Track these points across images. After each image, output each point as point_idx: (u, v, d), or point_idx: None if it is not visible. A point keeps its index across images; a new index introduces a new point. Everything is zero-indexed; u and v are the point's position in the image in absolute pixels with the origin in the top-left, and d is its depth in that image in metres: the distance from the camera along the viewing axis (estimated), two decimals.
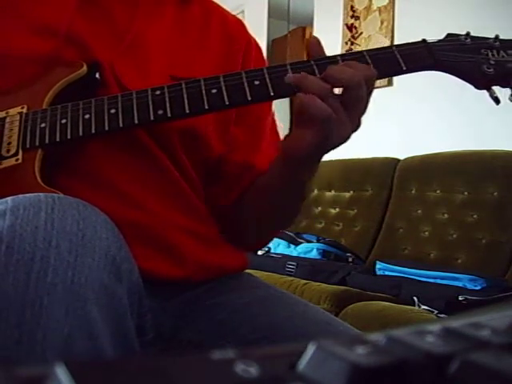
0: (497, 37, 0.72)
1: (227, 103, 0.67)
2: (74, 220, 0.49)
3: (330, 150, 0.67)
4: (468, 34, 0.72)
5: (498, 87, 0.71)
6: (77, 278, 0.47)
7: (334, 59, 0.69)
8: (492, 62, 0.70)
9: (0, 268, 0.44)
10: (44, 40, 0.72)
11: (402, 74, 0.70)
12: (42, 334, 0.43)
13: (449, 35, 0.73)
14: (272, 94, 0.67)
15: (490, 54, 0.71)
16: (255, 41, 0.88)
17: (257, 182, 0.79)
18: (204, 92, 0.67)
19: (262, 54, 0.88)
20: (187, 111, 0.67)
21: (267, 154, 0.81)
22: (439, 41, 0.72)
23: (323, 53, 0.69)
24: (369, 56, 0.69)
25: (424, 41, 0.71)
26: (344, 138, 0.65)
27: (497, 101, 0.71)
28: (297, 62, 0.69)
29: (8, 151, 0.67)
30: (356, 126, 0.65)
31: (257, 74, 0.68)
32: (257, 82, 0.68)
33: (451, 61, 0.70)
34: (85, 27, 0.73)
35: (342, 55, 0.70)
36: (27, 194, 0.51)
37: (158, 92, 0.68)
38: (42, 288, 0.44)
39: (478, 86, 0.71)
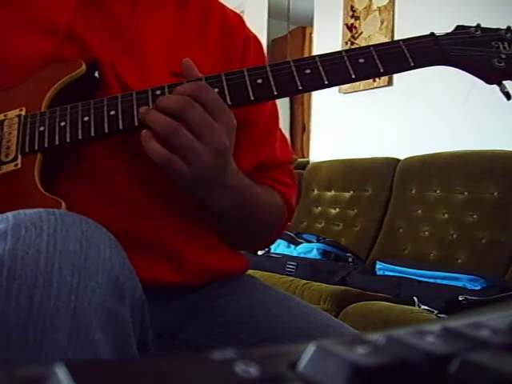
0: (508, 28, 0.69)
1: (229, 103, 0.65)
2: (76, 240, 0.49)
3: (205, 180, 0.63)
4: (478, 25, 0.70)
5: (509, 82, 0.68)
6: (80, 302, 0.46)
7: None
8: (503, 56, 0.67)
9: (2, 293, 0.44)
10: (43, 39, 0.71)
11: (410, 69, 0.67)
12: (44, 359, 0.42)
13: (458, 27, 0.70)
14: (276, 93, 0.65)
15: (501, 46, 0.68)
16: (254, 36, 0.86)
17: None
18: None
19: (261, 49, 0.86)
20: None
21: (275, 148, 0.81)
22: (448, 34, 0.69)
23: (194, 72, 0.66)
24: (375, 51, 0.67)
25: (432, 34, 0.69)
26: (205, 168, 0.61)
27: (508, 96, 0.68)
28: (301, 58, 0.67)
29: (7, 156, 0.66)
30: (217, 149, 0.61)
31: (259, 72, 0.66)
32: (259, 81, 0.65)
33: (461, 55, 0.68)
34: (84, 25, 0.72)
35: (346, 51, 0.68)
36: (28, 210, 0.50)
37: (158, 92, 0.66)
38: (44, 313, 0.44)
39: (489, 81, 0.69)
